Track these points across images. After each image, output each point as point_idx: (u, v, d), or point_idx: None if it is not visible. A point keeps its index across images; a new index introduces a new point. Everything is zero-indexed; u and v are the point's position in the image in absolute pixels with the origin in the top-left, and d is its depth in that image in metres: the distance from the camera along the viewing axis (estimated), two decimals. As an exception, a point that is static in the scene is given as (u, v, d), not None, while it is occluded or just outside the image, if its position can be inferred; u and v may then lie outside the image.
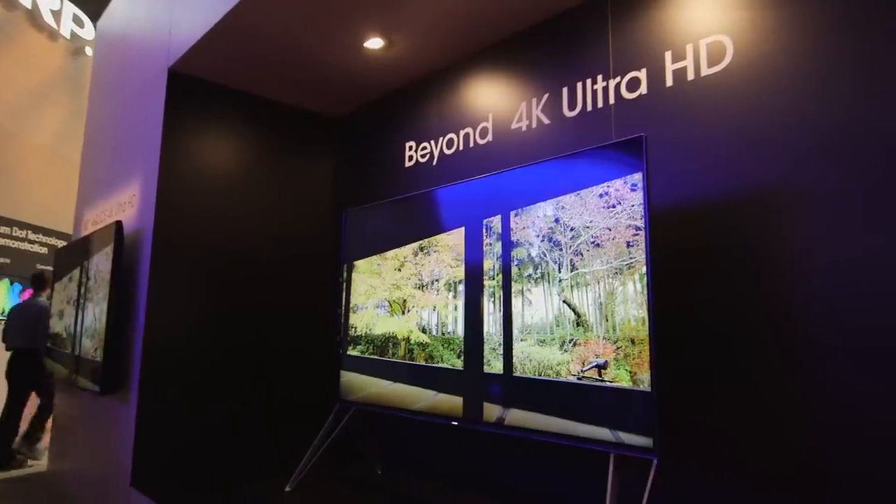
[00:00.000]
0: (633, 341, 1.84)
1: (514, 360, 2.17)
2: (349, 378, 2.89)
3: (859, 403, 1.69)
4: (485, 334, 2.30)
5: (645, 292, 1.83)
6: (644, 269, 1.84)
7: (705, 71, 2.14)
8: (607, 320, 1.92)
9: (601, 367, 1.89)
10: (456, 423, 2.36)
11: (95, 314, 3.36)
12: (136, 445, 2.96)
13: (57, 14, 8.32)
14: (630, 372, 1.83)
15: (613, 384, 1.87)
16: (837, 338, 1.74)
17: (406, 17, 2.79)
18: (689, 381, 2.04)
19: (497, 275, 2.29)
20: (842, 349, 1.73)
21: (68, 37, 8.48)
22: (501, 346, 2.23)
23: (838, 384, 1.73)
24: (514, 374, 2.16)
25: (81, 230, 4.46)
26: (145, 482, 2.94)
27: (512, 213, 2.27)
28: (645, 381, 1.79)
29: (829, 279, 1.77)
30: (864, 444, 1.67)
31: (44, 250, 7.89)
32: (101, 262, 3.38)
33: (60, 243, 7.45)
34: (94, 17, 7.02)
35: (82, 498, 3.62)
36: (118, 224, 3.23)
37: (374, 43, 3.02)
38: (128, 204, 3.56)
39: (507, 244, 2.25)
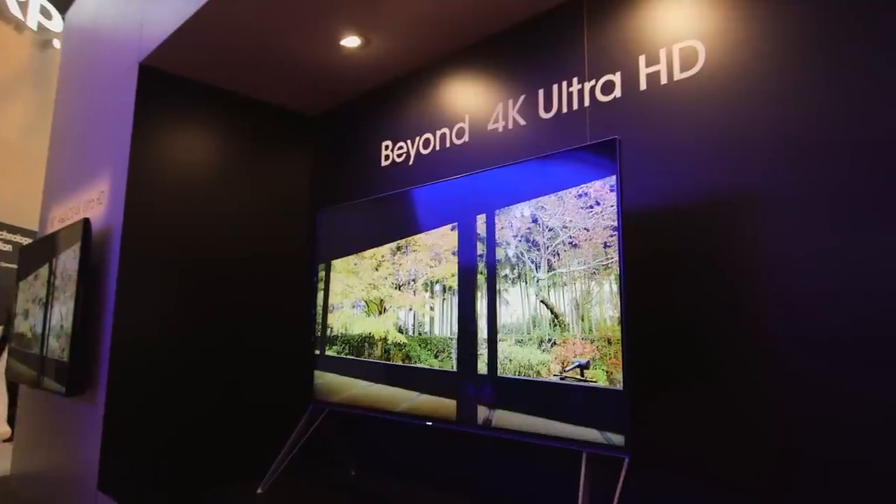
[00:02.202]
0: (609, 341, 1.87)
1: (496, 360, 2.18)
2: (325, 379, 2.87)
3: (827, 400, 1.73)
4: (477, 335, 2.28)
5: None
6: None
7: (678, 75, 2.17)
8: (583, 321, 1.94)
9: (583, 367, 1.91)
10: (430, 424, 2.36)
11: (62, 314, 3.28)
12: (104, 448, 2.90)
13: (24, 5, 8.10)
14: (606, 372, 1.85)
15: (590, 384, 1.89)
16: (806, 337, 1.79)
17: (383, 16, 2.78)
18: (663, 380, 2.08)
19: (478, 274, 2.29)
20: (810, 348, 1.78)
21: (35, 29, 8.26)
22: (484, 346, 2.22)
23: (807, 382, 1.77)
24: (499, 375, 2.16)
25: (48, 227, 4.35)
26: (113, 486, 2.87)
27: (500, 213, 2.27)
28: (621, 381, 1.81)
29: (799, 280, 1.82)
30: (834, 437, 1.71)
31: (8, 248, 7.67)
32: (68, 261, 3.30)
33: (26, 241, 7.24)
34: (63, 9, 6.85)
35: (48, 502, 3.52)
36: (86, 221, 3.15)
37: (351, 41, 3.00)
38: (96, 201, 3.48)
39: (492, 244, 2.25)
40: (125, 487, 2.89)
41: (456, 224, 2.41)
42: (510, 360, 2.12)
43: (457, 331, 2.32)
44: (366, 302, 2.75)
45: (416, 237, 2.57)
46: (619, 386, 1.81)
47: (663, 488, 2.04)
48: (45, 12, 8.41)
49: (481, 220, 2.31)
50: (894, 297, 1.64)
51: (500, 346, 2.16)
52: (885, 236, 1.67)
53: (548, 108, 2.59)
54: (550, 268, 2.05)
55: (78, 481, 3.09)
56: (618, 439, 1.78)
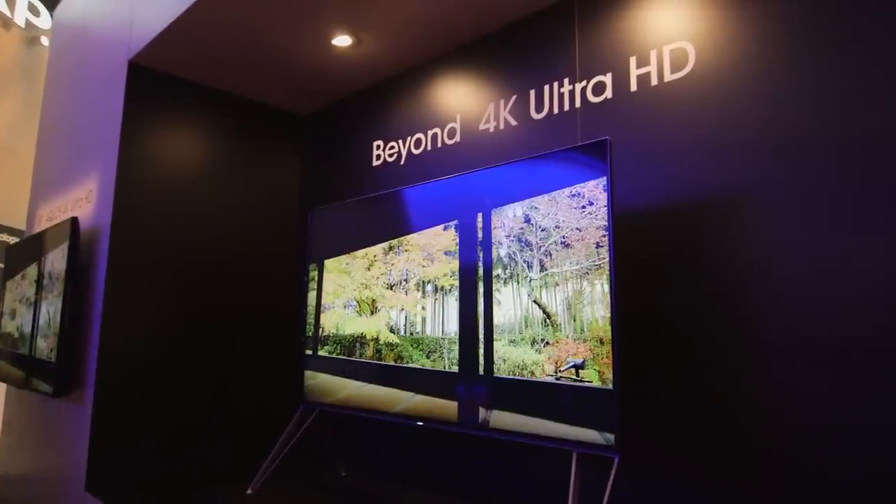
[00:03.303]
0: (601, 341, 1.87)
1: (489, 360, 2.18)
2: (316, 379, 2.86)
3: (818, 401, 1.75)
4: (474, 334, 2.26)
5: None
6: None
7: (668, 76, 2.18)
8: (575, 321, 1.95)
9: (578, 367, 1.91)
10: (421, 424, 2.35)
11: (50, 313, 3.25)
12: (92, 449, 2.87)
13: (11, 2, 8.01)
14: (598, 371, 1.86)
15: (585, 384, 1.89)
16: (796, 337, 1.80)
17: (375, 15, 2.77)
18: (654, 380, 2.08)
19: (474, 274, 2.29)
20: (801, 349, 1.79)
21: (23, 25, 8.17)
22: (480, 346, 2.21)
23: (797, 383, 1.79)
24: (495, 375, 2.15)
25: (35, 226, 4.30)
26: (101, 487, 2.85)
27: (492, 213, 2.27)
28: (612, 381, 1.82)
29: (789, 281, 1.83)
30: (823, 438, 1.73)
31: (-6, 247, 7.57)
32: (56, 260, 3.27)
33: (12, 240, 7.17)
34: (51, 6, 6.78)
35: (34, 504, 3.49)
36: (74, 220, 3.12)
37: (342, 40, 2.99)
38: (84, 200, 3.44)
39: (488, 243, 2.25)
40: (113, 488, 2.86)
41: (448, 224, 2.40)
42: (504, 361, 2.12)
43: (458, 330, 2.31)
44: (357, 302, 2.74)
45: (409, 237, 2.56)
46: (609, 385, 1.82)
47: (653, 488, 2.05)
48: (32, 9, 8.32)
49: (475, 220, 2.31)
50: (885, 298, 1.65)
51: (495, 347, 2.16)
52: (878, 237, 1.68)
53: (539, 109, 2.60)
54: (543, 268, 2.06)
55: (65, 482, 3.06)
56: (608, 439, 1.79)
